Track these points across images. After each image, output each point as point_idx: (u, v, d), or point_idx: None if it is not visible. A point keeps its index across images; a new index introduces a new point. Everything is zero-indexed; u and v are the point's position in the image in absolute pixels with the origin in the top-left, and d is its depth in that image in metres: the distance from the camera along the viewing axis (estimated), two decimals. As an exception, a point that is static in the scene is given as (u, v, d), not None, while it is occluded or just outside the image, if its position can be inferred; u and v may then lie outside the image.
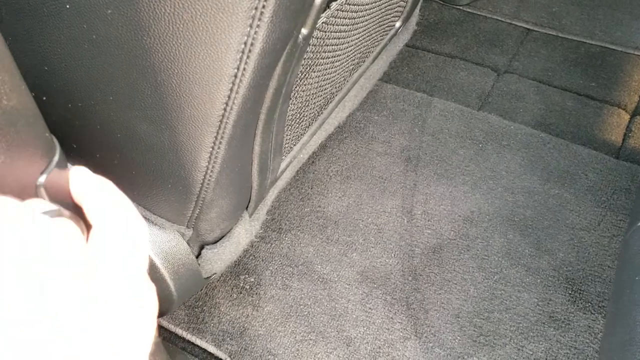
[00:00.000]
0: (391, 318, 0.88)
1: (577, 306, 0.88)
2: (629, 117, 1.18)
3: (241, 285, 0.92)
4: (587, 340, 0.84)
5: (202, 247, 0.66)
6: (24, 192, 0.34)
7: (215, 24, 0.43)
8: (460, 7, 1.44)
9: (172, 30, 0.44)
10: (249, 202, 0.69)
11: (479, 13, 1.43)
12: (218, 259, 0.68)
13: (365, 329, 0.87)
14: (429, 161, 1.09)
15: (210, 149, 0.52)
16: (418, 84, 1.25)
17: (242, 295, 0.91)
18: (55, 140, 0.37)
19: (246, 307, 0.90)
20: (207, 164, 0.54)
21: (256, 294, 0.91)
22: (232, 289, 0.92)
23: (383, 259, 0.95)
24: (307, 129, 0.79)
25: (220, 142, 0.52)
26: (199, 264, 0.67)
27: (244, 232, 0.70)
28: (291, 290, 0.91)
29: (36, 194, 0.36)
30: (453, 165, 1.08)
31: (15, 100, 0.32)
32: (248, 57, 0.45)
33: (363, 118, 1.17)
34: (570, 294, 0.89)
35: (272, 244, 0.97)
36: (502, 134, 1.13)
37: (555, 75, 1.27)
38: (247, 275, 0.93)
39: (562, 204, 1.01)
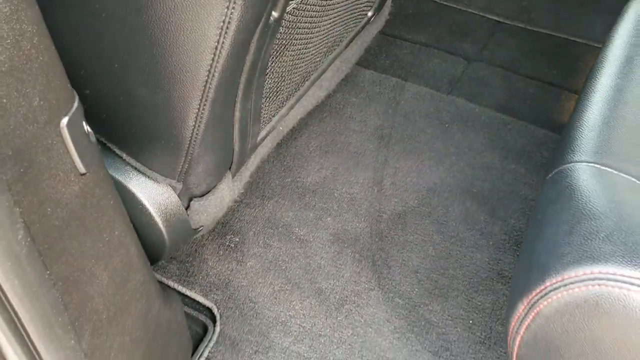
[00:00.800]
0: (358, 272, 1.00)
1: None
2: (583, 102, 1.29)
3: (227, 243, 1.04)
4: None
5: (190, 200, 0.78)
6: (51, 133, 0.45)
7: (200, 6, 0.54)
8: (436, 0, 1.56)
9: (166, 10, 0.55)
10: (232, 163, 0.80)
11: (453, 6, 1.54)
12: (204, 211, 0.80)
13: (335, 281, 0.99)
14: (400, 139, 1.20)
15: (197, 110, 0.63)
16: (394, 70, 1.36)
17: (227, 252, 1.03)
18: (74, 92, 0.49)
19: (231, 262, 1.02)
20: (194, 123, 0.65)
21: (240, 251, 1.03)
22: (218, 247, 1.04)
23: (354, 223, 1.06)
24: (284, 102, 0.91)
25: (205, 104, 0.63)
26: (187, 215, 0.79)
27: (227, 190, 0.82)
28: (271, 249, 1.03)
29: (60, 135, 0.48)
30: (421, 143, 1.19)
31: (47, 57, 0.44)
32: (226, 32, 0.56)
33: (342, 99, 1.28)
34: (518, 255, 1.01)
35: (255, 209, 1.09)
36: (467, 115, 1.25)
37: (522, 64, 1.38)
38: (232, 236, 1.05)
39: (516, 177, 1.13)
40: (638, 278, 0.47)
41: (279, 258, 1.02)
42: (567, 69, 1.37)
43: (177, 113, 0.64)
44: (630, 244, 0.49)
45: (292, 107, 0.95)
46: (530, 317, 0.54)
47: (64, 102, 0.46)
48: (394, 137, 1.21)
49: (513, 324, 0.57)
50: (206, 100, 0.63)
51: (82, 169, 0.49)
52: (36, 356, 0.49)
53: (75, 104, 0.47)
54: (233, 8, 0.54)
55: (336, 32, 0.96)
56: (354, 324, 0.94)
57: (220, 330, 0.94)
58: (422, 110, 1.26)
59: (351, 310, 0.95)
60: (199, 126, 0.66)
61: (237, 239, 1.05)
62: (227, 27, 0.56)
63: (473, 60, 1.39)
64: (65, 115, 0.46)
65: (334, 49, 1.01)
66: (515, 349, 0.59)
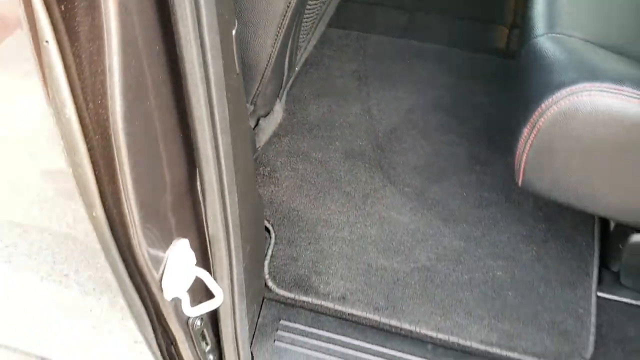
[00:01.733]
0: (372, 176, 1.26)
1: (496, 150, 1.30)
2: (507, 30, 1.63)
3: (262, 173, 1.27)
4: (504, 173, 1.26)
5: (258, 120, 1.01)
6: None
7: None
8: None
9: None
10: (281, 88, 1.04)
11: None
12: (266, 127, 1.03)
13: (355, 185, 1.24)
14: (374, 77, 1.48)
15: (275, 37, 0.87)
16: (355, 26, 1.63)
17: (264, 179, 1.26)
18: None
19: (269, 186, 1.25)
20: (271, 50, 0.89)
21: (274, 177, 1.26)
22: (256, 177, 1.26)
23: (357, 142, 1.33)
24: (306, 44, 1.15)
25: (279, 33, 0.87)
26: (255, 133, 1.01)
27: (280, 110, 1.05)
28: (298, 171, 1.27)
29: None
30: (392, 77, 1.47)
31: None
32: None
33: (319, 54, 1.54)
34: (491, 143, 1.31)
35: (276, 145, 1.32)
36: (422, 52, 1.54)
37: (460, 8, 1.69)
38: (264, 167, 1.28)
39: (471, 90, 1.43)
40: (599, 88, 0.77)
41: (307, 176, 1.26)
42: (492, 6, 1.70)
43: (260, 41, 0.87)
44: (592, 71, 0.79)
45: (309, 43, 1.19)
46: (533, 134, 0.82)
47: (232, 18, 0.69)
48: (370, 77, 1.48)
49: (520, 147, 0.85)
50: (280, 30, 0.87)
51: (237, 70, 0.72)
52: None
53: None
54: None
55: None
56: (379, 211, 1.20)
57: (276, 234, 1.17)
58: (385, 53, 1.54)
59: (374, 202, 1.21)
60: (273, 53, 0.89)
61: (269, 169, 1.28)
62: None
63: (415, 10, 1.69)
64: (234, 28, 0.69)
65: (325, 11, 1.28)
66: (522, 166, 0.87)
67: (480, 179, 1.25)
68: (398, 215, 1.19)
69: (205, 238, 0.76)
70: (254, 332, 1.06)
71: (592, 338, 1.01)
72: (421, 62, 1.51)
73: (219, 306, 0.84)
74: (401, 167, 1.28)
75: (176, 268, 0.71)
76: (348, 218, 1.19)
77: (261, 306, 1.09)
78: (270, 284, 1.11)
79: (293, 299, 1.10)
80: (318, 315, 1.08)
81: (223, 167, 0.68)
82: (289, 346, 1.04)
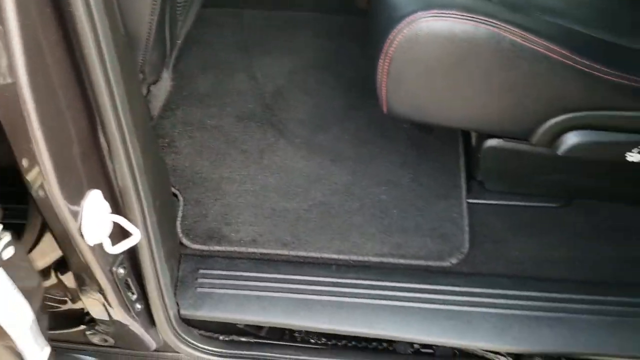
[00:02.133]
0: (264, 133, 1.38)
1: (369, 96, 1.46)
2: (368, -7, 1.80)
3: (161, 145, 1.35)
4: (376, 114, 1.42)
5: (148, 88, 1.09)
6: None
7: None
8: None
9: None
10: (166, 56, 1.13)
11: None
12: (158, 94, 1.12)
13: (251, 142, 1.36)
14: (255, 47, 1.59)
15: (151, 8, 0.96)
16: (228, 3, 1.73)
17: (164, 150, 1.34)
18: None
19: (170, 155, 1.34)
20: (150, 19, 0.98)
21: (174, 146, 1.35)
22: (156, 140, 1.34)
23: (247, 105, 1.44)
24: (186, 15, 1.25)
25: (155, 6, 0.96)
26: (149, 101, 1.10)
27: (168, 78, 1.15)
28: (196, 138, 1.37)
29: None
30: (271, 45, 1.60)
31: None
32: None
33: (198, 33, 1.63)
34: (364, 90, 1.46)
35: (170, 118, 1.40)
36: (295, 21, 1.67)
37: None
38: (162, 139, 1.36)
39: (343, 48, 1.58)
40: (432, 14, 0.92)
41: (205, 142, 1.36)
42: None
43: (138, 12, 0.96)
44: (427, 1, 0.94)
45: (185, 23, 1.29)
46: (387, 64, 0.97)
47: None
48: (250, 47, 1.59)
49: (379, 78, 1.00)
50: (156, 1, 0.96)
51: (122, 31, 0.81)
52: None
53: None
54: None
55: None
56: (275, 162, 1.33)
57: (184, 197, 1.27)
58: (261, 25, 1.66)
59: (269, 155, 1.34)
60: (153, 23, 0.98)
61: (167, 140, 1.36)
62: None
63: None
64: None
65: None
66: (384, 95, 1.02)
67: (357, 122, 1.40)
68: (292, 163, 1.32)
69: (115, 189, 0.85)
70: (176, 284, 1.15)
71: (466, 236, 1.19)
72: (295, 29, 1.64)
73: (140, 255, 0.94)
74: (289, 122, 1.40)
75: (92, 216, 0.80)
76: (248, 172, 1.31)
77: (179, 262, 1.19)
78: (184, 241, 1.21)
79: (208, 250, 1.20)
80: (233, 260, 1.19)
81: (122, 117, 0.77)
82: (210, 290, 1.15)
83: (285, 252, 1.19)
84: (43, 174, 0.70)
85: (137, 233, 0.82)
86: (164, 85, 1.11)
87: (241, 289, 1.14)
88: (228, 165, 1.32)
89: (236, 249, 1.20)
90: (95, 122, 0.77)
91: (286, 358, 1.17)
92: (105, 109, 0.73)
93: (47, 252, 0.98)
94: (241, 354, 1.17)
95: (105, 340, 1.16)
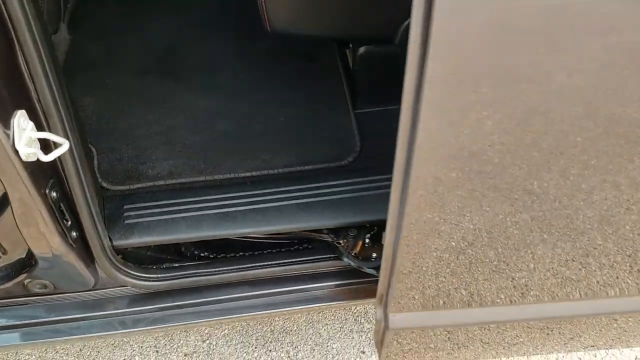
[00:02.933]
0: (162, 83, 1.48)
1: (257, 39, 1.60)
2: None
3: (65, 106, 1.41)
4: (265, 53, 1.56)
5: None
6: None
7: None
8: None
9: None
10: (60, 9, 1.20)
11: None
12: (58, 45, 1.18)
13: (151, 92, 1.46)
14: (139, 11, 1.68)
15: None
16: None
17: (69, 110, 1.40)
18: None
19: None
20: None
21: (79, 106, 1.41)
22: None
23: (142, 62, 1.53)
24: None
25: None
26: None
27: (65, 29, 1.21)
28: (98, 96, 1.44)
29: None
30: (157, 7, 1.69)
31: None
32: None
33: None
34: (251, 36, 1.60)
35: (69, 83, 1.47)
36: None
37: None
38: (65, 101, 1.42)
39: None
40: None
41: (108, 98, 1.44)
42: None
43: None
44: None
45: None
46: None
47: None
48: (139, 9, 1.68)
49: (259, -1, 1.14)
50: None
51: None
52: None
53: None
54: None
55: None
56: (179, 105, 1.44)
57: (96, 148, 1.34)
58: None
59: (172, 100, 1.45)
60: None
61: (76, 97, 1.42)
62: None
63: None
64: None
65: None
66: (265, 13, 1.16)
67: (249, 65, 1.54)
68: (194, 103, 1.44)
69: (38, 109, 0.92)
70: (104, 222, 1.23)
71: (357, 137, 1.36)
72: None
73: (68, 176, 1.02)
74: (185, 71, 1.52)
75: (22, 134, 0.88)
76: (154, 117, 1.41)
77: (104, 202, 1.26)
78: (105, 185, 1.29)
79: (129, 189, 1.29)
80: (155, 193, 1.28)
81: (37, 39, 0.85)
82: (137, 220, 1.24)
83: (202, 177, 1.30)
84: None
85: (65, 142, 0.91)
86: (63, 36, 1.17)
87: (167, 214, 1.24)
88: (133, 114, 1.41)
89: (155, 183, 1.30)
90: (14, 45, 0.85)
91: (210, 271, 1.27)
92: (22, 31, 0.82)
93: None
94: (173, 275, 1.26)
95: (45, 287, 1.21)
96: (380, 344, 1.20)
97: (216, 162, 1.32)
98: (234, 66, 1.53)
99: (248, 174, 1.31)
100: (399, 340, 1.17)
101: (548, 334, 1.23)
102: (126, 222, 1.23)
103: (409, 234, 0.92)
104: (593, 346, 1.35)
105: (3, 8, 0.81)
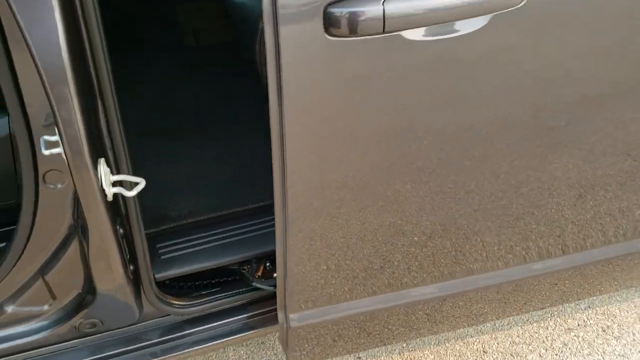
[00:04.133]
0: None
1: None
2: None
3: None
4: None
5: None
6: None
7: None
8: None
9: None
10: None
11: None
12: None
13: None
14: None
15: None
16: None
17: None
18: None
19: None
20: None
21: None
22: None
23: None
24: None
25: None
26: None
27: None
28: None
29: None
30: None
31: None
32: None
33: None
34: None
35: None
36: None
37: None
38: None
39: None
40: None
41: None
42: None
43: None
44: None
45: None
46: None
47: None
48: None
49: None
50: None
51: None
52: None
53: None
54: None
55: None
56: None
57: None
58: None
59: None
60: None
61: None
62: None
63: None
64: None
65: None
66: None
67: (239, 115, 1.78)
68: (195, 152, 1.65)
69: (110, 158, 1.11)
70: (142, 260, 1.39)
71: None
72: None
73: (130, 216, 1.20)
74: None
75: (105, 176, 1.06)
76: (165, 168, 1.60)
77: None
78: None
79: (157, 230, 1.46)
80: (180, 231, 1.47)
81: (114, 98, 1.06)
82: (171, 255, 1.41)
83: (219, 213, 1.50)
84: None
85: (142, 181, 1.10)
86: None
87: (198, 246, 1.43)
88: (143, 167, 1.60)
89: (178, 223, 1.48)
90: (97, 105, 1.05)
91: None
92: (107, 94, 1.02)
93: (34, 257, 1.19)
94: (206, 300, 1.44)
95: (94, 326, 1.35)
96: (285, 345, 1.38)
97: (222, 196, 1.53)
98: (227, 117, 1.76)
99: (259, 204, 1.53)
100: (303, 338, 1.36)
101: (505, 302, 1.51)
102: (162, 257, 1.41)
103: (294, 244, 1.13)
104: (542, 308, 1.66)
105: (93, 76, 1.01)
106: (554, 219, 1.28)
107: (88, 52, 0.98)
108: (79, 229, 1.17)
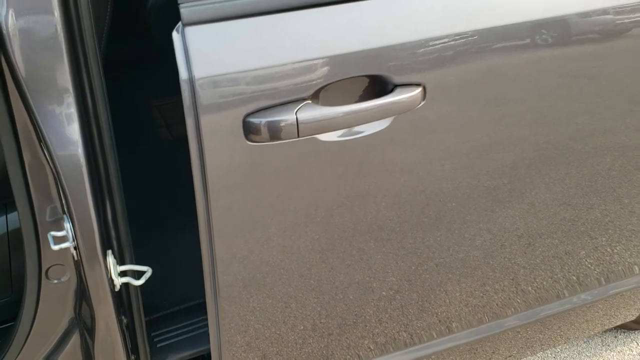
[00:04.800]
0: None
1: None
2: None
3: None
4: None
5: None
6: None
7: None
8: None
9: None
10: None
11: None
12: None
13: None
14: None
15: None
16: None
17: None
18: None
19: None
20: None
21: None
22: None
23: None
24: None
25: None
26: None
27: None
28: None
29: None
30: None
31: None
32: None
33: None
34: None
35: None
36: None
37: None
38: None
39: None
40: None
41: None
42: None
43: None
44: None
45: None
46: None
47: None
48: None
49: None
50: None
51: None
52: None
53: None
54: None
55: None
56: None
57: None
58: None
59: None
60: None
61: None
62: None
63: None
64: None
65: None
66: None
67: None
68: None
69: (115, 250, 1.14)
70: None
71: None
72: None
73: (133, 303, 1.21)
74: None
75: (113, 267, 1.09)
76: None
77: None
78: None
79: (151, 319, 1.46)
80: (173, 319, 1.48)
81: (121, 195, 1.10)
82: (166, 342, 1.41)
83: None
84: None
85: (149, 269, 1.13)
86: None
87: (194, 330, 1.44)
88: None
89: (171, 310, 1.49)
90: (105, 203, 1.08)
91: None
92: (116, 191, 1.07)
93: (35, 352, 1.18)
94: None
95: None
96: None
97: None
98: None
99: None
100: None
101: (474, 352, 1.55)
102: (158, 345, 1.40)
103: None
104: (510, 356, 1.70)
105: (102, 171, 1.06)
106: (507, 266, 1.36)
107: (98, 148, 1.03)
108: (81, 321, 1.17)
